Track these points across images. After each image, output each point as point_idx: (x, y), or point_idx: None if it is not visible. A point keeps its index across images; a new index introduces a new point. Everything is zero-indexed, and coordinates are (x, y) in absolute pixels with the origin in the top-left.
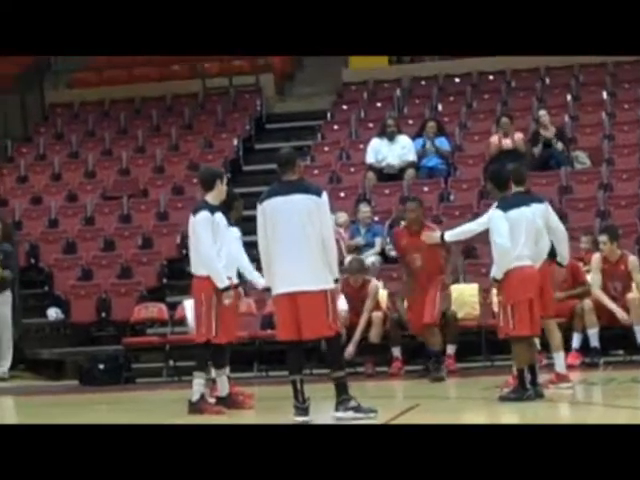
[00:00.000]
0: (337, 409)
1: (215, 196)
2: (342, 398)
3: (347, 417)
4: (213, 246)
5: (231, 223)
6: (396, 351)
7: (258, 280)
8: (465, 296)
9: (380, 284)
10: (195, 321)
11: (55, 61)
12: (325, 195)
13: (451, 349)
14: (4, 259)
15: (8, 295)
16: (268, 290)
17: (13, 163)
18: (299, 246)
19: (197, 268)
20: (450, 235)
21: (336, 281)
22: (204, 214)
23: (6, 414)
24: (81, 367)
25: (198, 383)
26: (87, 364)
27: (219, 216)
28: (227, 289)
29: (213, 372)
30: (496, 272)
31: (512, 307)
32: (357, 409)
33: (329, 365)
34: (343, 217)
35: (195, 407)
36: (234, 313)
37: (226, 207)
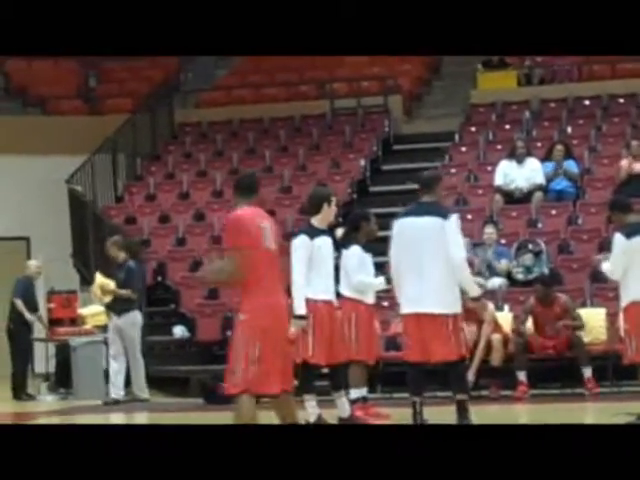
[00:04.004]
0: None
1: (320, 219)
2: (463, 422)
3: None
4: (304, 272)
5: (357, 243)
6: (521, 375)
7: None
8: (593, 321)
9: (506, 307)
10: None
11: (184, 80)
12: (454, 217)
13: (588, 372)
14: (126, 278)
15: (135, 315)
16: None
17: (142, 181)
18: (426, 268)
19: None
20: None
21: (477, 299)
22: (302, 238)
23: None
24: (205, 385)
25: (310, 405)
26: (211, 382)
27: (320, 240)
28: (301, 317)
29: (352, 393)
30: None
31: (635, 336)
32: None
33: (452, 388)
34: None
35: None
36: (333, 335)
37: (354, 227)
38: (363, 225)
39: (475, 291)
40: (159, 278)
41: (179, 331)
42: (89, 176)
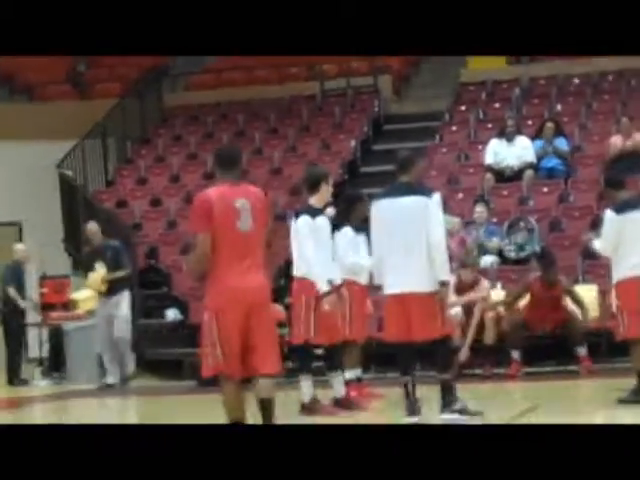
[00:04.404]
0: (442, 411)
1: (319, 199)
2: (448, 400)
3: (453, 419)
4: (315, 250)
5: (349, 224)
6: (515, 354)
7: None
8: (585, 298)
9: (498, 285)
10: (293, 322)
11: (173, 64)
12: (437, 196)
13: (582, 350)
14: (112, 257)
15: (126, 295)
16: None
17: (132, 165)
18: (409, 248)
19: (298, 270)
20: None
21: (443, 284)
22: (304, 218)
23: (126, 414)
24: (199, 368)
25: (306, 385)
26: None
27: (321, 219)
28: (328, 294)
29: (347, 373)
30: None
31: (627, 312)
32: (463, 411)
33: (436, 366)
34: (452, 223)
35: (308, 408)
36: (335, 314)
37: (346, 208)
38: (356, 206)
39: (445, 275)
40: (151, 261)
41: (172, 314)
42: (79, 161)
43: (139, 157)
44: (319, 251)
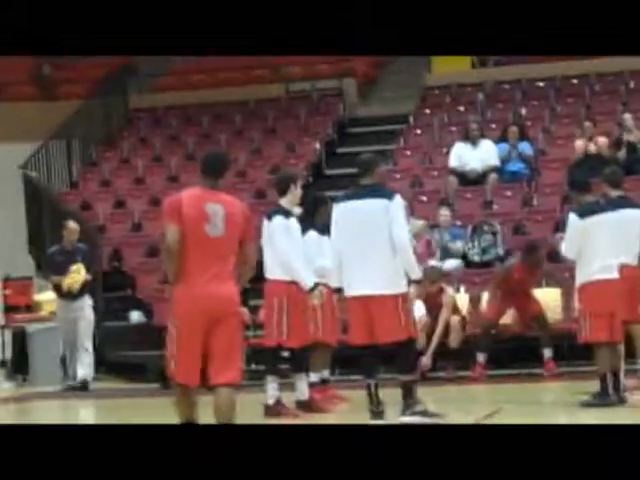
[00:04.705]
0: (403, 413)
1: (289, 200)
2: (409, 402)
3: (413, 421)
4: (291, 249)
5: (314, 226)
6: (481, 357)
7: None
8: (548, 301)
9: (462, 289)
10: (265, 325)
11: (139, 65)
12: (398, 198)
13: (548, 353)
14: (83, 259)
15: (88, 298)
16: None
17: (97, 167)
18: (370, 251)
19: (270, 272)
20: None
21: (417, 282)
22: (279, 219)
23: (88, 417)
24: (162, 370)
25: (272, 387)
26: None
27: (293, 220)
28: (313, 289)
29: (312, 376)
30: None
31: (590, 316)
32: (424, 413)
33: (398, 368)
34: (417, 226)
35: (272, 410)
36: (306, 316)
37: (311, 210)
38: (320, 208)
39: (416, 273)
40: (115, 264)
41: (136, 316)
42: (44, 162)
43: (104, 159)
44: (293, 251)
